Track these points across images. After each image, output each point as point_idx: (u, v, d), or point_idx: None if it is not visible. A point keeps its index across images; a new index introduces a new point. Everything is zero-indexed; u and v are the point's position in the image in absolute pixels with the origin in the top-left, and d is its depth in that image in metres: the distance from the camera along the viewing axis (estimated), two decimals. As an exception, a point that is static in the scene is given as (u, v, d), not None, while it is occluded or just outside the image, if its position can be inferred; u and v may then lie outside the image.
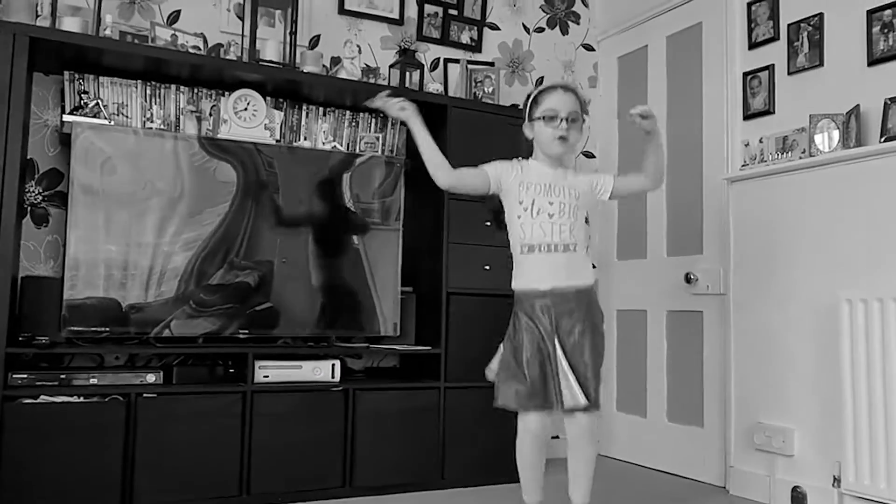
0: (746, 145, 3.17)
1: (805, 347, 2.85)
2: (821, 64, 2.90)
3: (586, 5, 4.13)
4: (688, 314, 3.44)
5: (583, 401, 2.16)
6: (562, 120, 2.25)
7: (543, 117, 2.27)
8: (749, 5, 3.20)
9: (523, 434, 2.31)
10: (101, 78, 2.88)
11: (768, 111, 3.09)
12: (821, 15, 2.90)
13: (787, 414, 2.90)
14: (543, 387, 2.19)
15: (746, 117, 3.19)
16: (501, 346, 2.32)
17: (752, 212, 3.11)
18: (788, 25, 3.02)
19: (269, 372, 2.83)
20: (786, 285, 2.94)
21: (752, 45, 3.18)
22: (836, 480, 2.62)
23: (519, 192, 2.28)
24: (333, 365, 2.93)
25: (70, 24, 2.71)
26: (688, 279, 3.40)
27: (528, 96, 2.35)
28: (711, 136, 3.36)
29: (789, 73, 3.02)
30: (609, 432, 3.85)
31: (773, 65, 3.08)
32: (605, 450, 3.87)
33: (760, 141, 3.10)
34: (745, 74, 3.20)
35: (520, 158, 2.36)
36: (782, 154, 2.99)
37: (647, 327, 3.67)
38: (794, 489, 2.82)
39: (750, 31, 3.20)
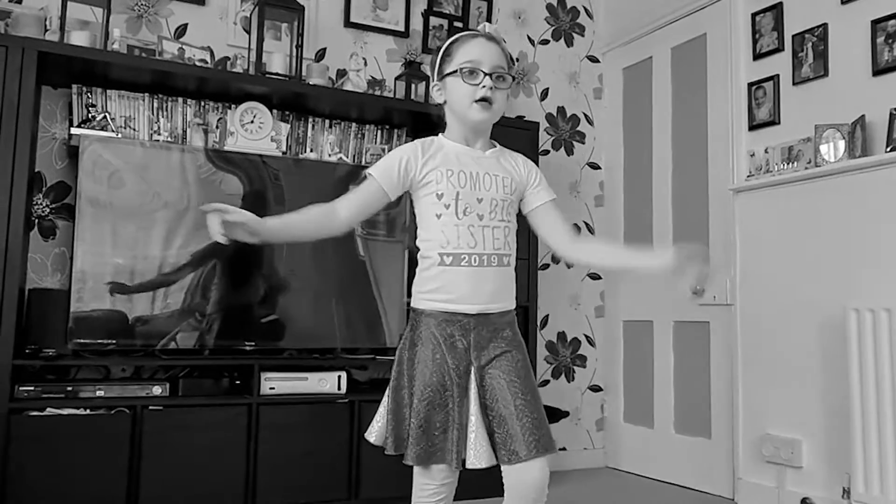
0: (752, 155, 3.17)
1: (813, 358, 2.83)
2: (825, 74, 2.90)
3: (591, 17, 4.15)
4: (695, 325, 3.43)
5: (488, 461, 1.60)
6: (485, 75, 1.68)
7: (461, 70, 1.69)
8: (753, 16, 3.21)
9: (421, 492, 1.69)
10: (108, 91, 2.90)
11: (773, 121, 3.09)
12: (825, 25, 2.90)
13: (796, 425, 2.88)
14: (443, 439, 1.62)
15: (752, 128, 3.19)
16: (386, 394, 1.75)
17: (758, 222, 3.11)
18: (793, 36, 3.03)
19: (275, 384, 2.83)
20: (793, 295, 2.93)
21: (757, 56, 3.19)
22: (846, 492, 2.60)
23: (437, 182, 1.69)
24: (339, 377, 2.93)
25: (78, 38, 2.73)
26: (694, 290, 3.39)
27: (438, 49, 1.78)
28: (716, 146, 3.37)
29: (794, 84, 3.02)
30: (616, 443, 3.83)
31: (778, 75, 3.09)
32: (612, 461, 3.85)
33: (766, 151, 3.10)
34: (750, 85, 3.20)
35: (430, 139, 1.78)
36: (788, 164, 2.99)
37: (653, 338, 3.66)
38: (804, 501, 2.80)
39: (754, 41, 3.20)
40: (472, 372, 1.65)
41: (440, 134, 1.79)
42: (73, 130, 2.79)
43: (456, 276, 1.68)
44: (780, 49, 3.09)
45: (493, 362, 1.67)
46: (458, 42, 1.74)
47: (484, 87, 1.68)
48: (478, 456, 1.60)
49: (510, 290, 1.75)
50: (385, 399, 1.74)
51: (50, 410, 2.50)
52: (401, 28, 3.62)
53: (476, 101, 1.68)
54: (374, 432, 1.74)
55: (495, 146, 1.80)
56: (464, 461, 1.62)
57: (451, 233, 1.68)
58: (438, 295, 1.69)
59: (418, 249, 1.76)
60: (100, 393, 2.62)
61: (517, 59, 3.90)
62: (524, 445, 1.60)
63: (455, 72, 1.70)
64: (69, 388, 2.58)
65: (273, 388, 2.82)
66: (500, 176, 1.74)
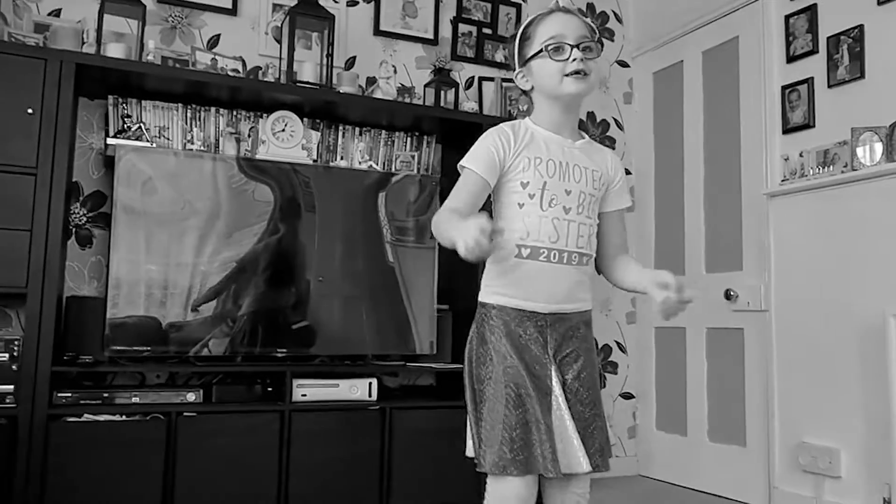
0: (786, 160, 3.13)
1: (851, 365, 2.78)
2: (862, 76, 2.85)
3: (620, 21, 4.12)
4: (728, 331, 3.38)
5: (586, 466, 1.56)
6: (573, 48, 1.58)
7: (546, 48, 1.59)
8: (787, 18, 3.16)
9: None
10: (143, 101, 2.95)
11: (808, 125, 3.04)
12: (861, 27, 2.85)
13: (834, 434, 2.83)
14: (526, 442, 1.52)
15: (786, 131, 3.14)
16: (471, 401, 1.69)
17: (793, 227, 3.06)
18: (828, 38, 2.98)
19: (307, 390, 2.84)
20: (829, 301, 2.88)
21: (791, 59, 3.14)
22: (886, 502, 2.54)
23: (524, 170, 1.60)
24: (370, 383, 2.94)
25: (114, 50, 2.78)
26: (728, 296, 3.34)
27: (514, 37, 1.69)
28: (750, 150, 3.32)
29: (829, 86, 2.97)
30: (649, 452, 3.79)
31: (813, 78, 3.04)
32: (644, 470, 3.81)
33: (801, 155, 3.05)
34: (784, 88, 3.16)
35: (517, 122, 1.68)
36: (823, 168, 2.94)
37: (686, 345, 3.62)
38: (842, 511, 2.75)
39: (788, 44, 3.16)
40: (553, 370, 1.58)
41: (527, 118, 1.68)
42: (109, 140, 2.84)
43: (532, 271, 1.58)
44: (814, 51, 3.04)
45: (567, 361, 1.61)
46: (533, 23, 1.64)
47: (574, 59, 1.58)
48: (579, 460, 1.54)
49: (587, 289, 1.66)
50: (468, 406, 1.66)
51: (87, 416, 2.54)
52: (430, 35, 3.63)
53: (568, 75, 1.58)
54: (468, 446, 1.68)
55: (584, 136, 1.70)
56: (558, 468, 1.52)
57: (533, 224, 1.58)
58: (510, 290, 1.60)
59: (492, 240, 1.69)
60: (135, 399, 2.66)
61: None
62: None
63: (540, 51, 1.60)
64: (105, 395, 2.63)
65: (305, 395, 2.84)
66: (591, 169, 1.65)
